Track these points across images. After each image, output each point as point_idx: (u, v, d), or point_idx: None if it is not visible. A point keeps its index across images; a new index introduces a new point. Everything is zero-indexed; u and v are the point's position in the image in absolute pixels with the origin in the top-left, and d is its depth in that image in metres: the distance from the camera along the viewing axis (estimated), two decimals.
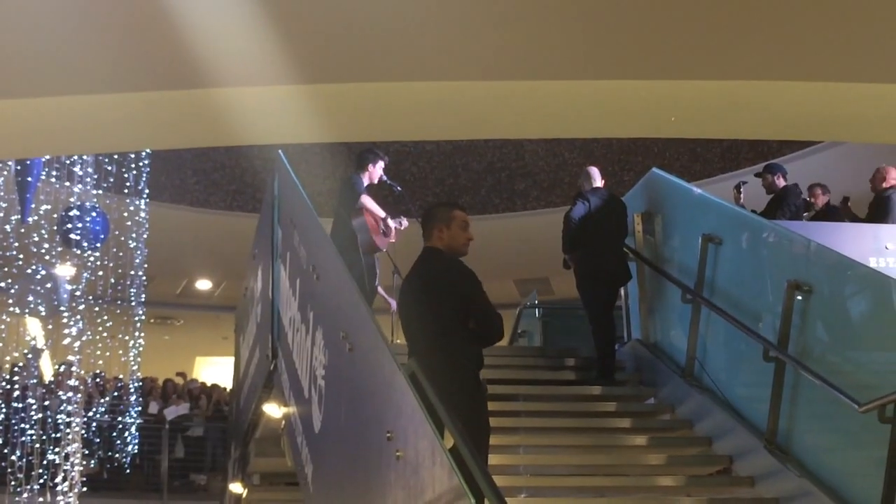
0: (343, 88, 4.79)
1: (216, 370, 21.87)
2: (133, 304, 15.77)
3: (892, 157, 13.67)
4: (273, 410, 8.74)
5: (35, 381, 14.67)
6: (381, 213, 9.35)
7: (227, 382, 17.73)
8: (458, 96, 4.92)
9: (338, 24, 4.64)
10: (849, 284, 6.51)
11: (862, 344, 6.28)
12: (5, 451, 14.02)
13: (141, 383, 16.98)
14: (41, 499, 13.72)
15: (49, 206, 13.51)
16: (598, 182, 8.95)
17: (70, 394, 14.09)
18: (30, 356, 15.04)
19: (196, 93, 4.74)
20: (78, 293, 14.27)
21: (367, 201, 9.29)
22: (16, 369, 15.04)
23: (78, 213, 13.06)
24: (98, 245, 13.52)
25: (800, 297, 6.57)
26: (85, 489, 14.36)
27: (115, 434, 15.78)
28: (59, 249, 13.84)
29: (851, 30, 4.61)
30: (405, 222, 9.53)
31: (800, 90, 4.70)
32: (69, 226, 13.02)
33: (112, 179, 14.33)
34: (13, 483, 13.73)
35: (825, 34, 4.63)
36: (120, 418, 15.82)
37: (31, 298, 13.63)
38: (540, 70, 4.59)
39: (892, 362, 5.58)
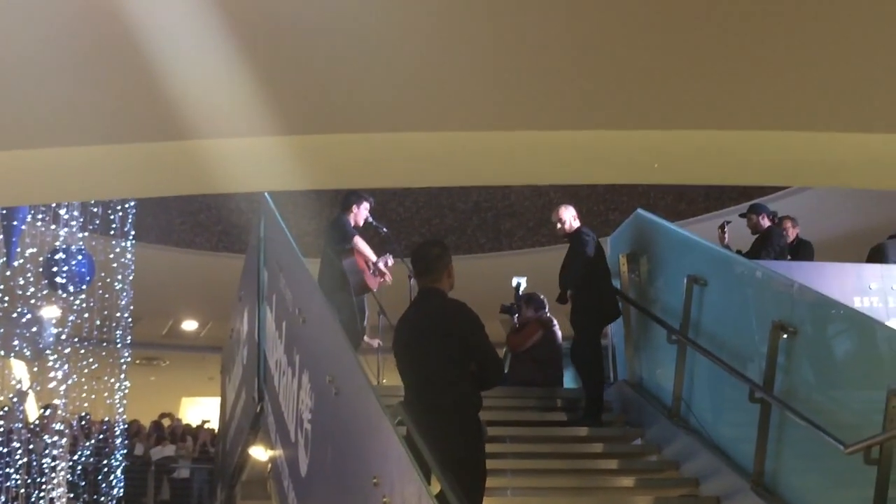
0: (326, 139, 4.82)
1: (202, 410, 21.78)
2: (119, 345, 15.71)
3: (871, 199, 13.81)
4: (259, 453, 8.71)
5: (20, 424, 14.58)
6: (373, 257, 9.38)
7: (213, 423, 17.66)
8: (441, 146, 4.96)
9: (321, 77, 4.68)
10: (833, 325, 6.54)
11: (847, 385, 6.30)
12: None
13: (127, 425, 16.89)
14: None
15: (35, 249, 13.49)
16: None
17: (55, 437, 14.01)
18: (15, 399, 14.96)
19: (181, 144, 4.77)
20: (63, 336, 14.22)
21: (359, 243, 9.33)
22: (0, 413, 14.95)
23: (64, 256, 13.05)
24: (84, 287, 13.49)
25: (785, 338, 6.59)
26: None
27: (100, 477, 15.67)
28: (45, 292, 13.80)
29: (829, 81, 4.68)
30: (391, 260, 9.56)
31: (779, 139, 4.76)
32: (55, 269, 12.99)
33: (98, 221, 14.33)
34: None
35: (804, 85, 4.70)
36: (105, 461, 15.72)
37: (16, 341, 13.59)
38: (524, 121, 4.63)
39: (877, 402, 5.59)
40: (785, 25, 4.69)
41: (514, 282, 10.03)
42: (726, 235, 10.70)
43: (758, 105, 4.63)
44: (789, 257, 10.37)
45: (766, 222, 10.38)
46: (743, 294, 7.62)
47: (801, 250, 10.62)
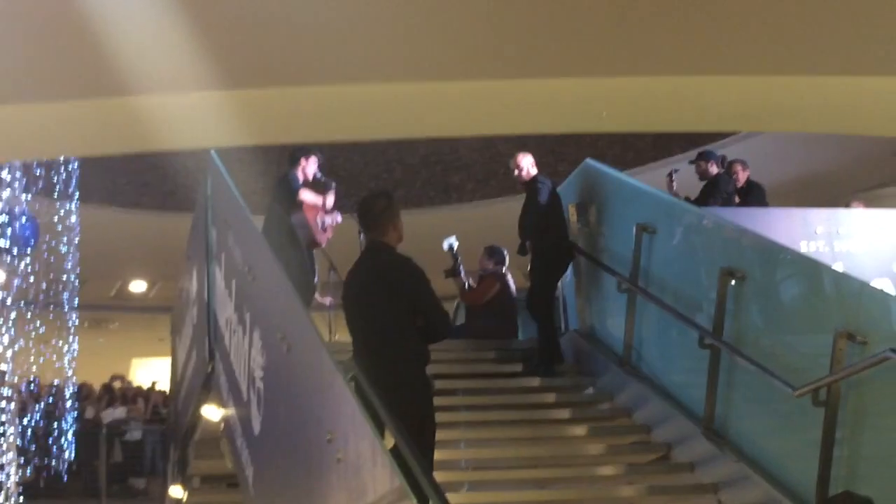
0: (265, 93, 4.77)
1: (153, 372, 21.66)
2: (66, 308, 15.55)
3: (818, 144, 13.93)
4: (212, 413, 8.65)
5: None
6: (320, 201, 9.39)
7: (164, 384, 17.56)
8: (387, 98, 4.92)
9: (259, 31, 4.62)
10: (780, 270, 6.59)
11: (795, 328, 6.36)
12: None
13: (77, 388, 16.76)
14: None
15: None
16: None
17: (3, 402, 13.86)
18: None
19: (120, 100, 4.69)
20: (9, 300, 14.04)
21: (307, 196, 9.30)
22: None
23: (7, 219, 12.86)
24: (29, 250, 13.32)
25: (733, 284, 6.63)
26: (22, 498, 14.15)
27: (51, 441, 15.56)
28: None
29: (777, 23, 4.68)
30: (339, 218, 9.55)
31: (727, 84, 4.76)
32: None
33: (41, 183, 14.13)
34: None
35: (752, 29, 4.70)
36: (56, 424, 15.61)
37: None
38: (470, 70, 4.60)
39: (824, 346, 5.65)
40: None
41: (446, 244, 9.82)
42: (675, 183, 10.73)
43: (706, 50, 4.62)
44: (738, 201, 10.41)
45: (714, 169, 10.40)
46: (692, 241, 7.66)
47: (752, 193, 10.66)
